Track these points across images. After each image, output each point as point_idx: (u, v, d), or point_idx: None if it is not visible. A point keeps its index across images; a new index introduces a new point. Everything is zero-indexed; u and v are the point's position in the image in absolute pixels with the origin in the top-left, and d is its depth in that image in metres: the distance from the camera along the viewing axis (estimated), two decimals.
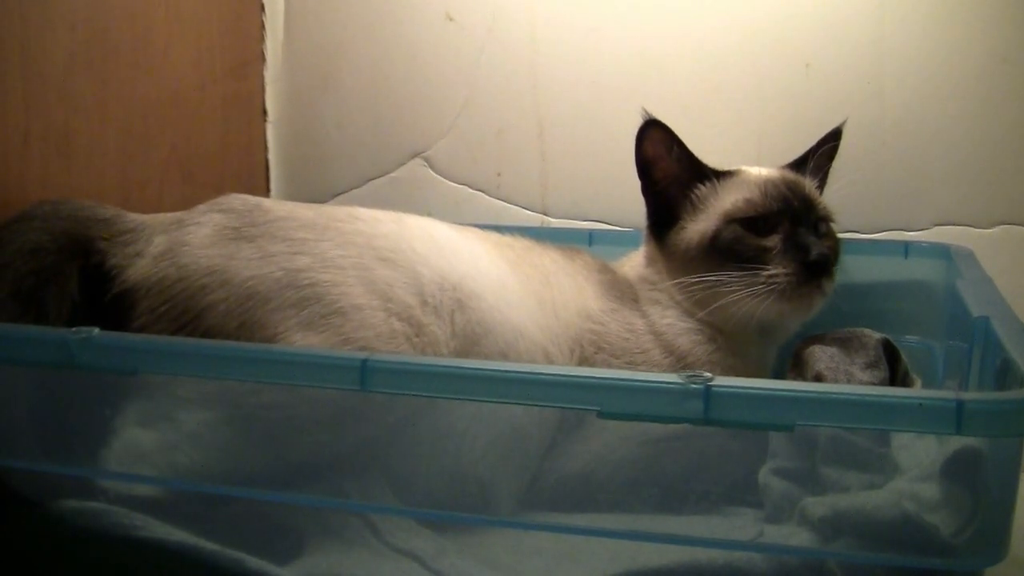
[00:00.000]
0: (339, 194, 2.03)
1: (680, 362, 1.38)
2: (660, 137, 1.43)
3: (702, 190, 1.45)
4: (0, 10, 1.41)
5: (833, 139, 1.54)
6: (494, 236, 1.46)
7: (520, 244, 1.47)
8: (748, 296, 1.34)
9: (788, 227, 1.39)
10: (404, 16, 1.95)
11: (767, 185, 1.43)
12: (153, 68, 1.71)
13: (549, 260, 1.46)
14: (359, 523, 1.13)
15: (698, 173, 1.45)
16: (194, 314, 1.16)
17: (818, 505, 0.99)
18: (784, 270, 1.35)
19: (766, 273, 1.35)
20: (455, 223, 1.44)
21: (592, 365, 1.36)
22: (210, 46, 1.85)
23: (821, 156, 1.52)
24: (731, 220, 1.40)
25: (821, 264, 1.35)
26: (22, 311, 1.17)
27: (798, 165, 1.52)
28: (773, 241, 1.38)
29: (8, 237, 1.21)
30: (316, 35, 2.01)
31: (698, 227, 1.42)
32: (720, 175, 1.46)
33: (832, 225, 1.46)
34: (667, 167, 1.45)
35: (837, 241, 1.45)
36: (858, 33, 1.74)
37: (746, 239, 1.38)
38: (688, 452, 0.99)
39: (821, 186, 1.52)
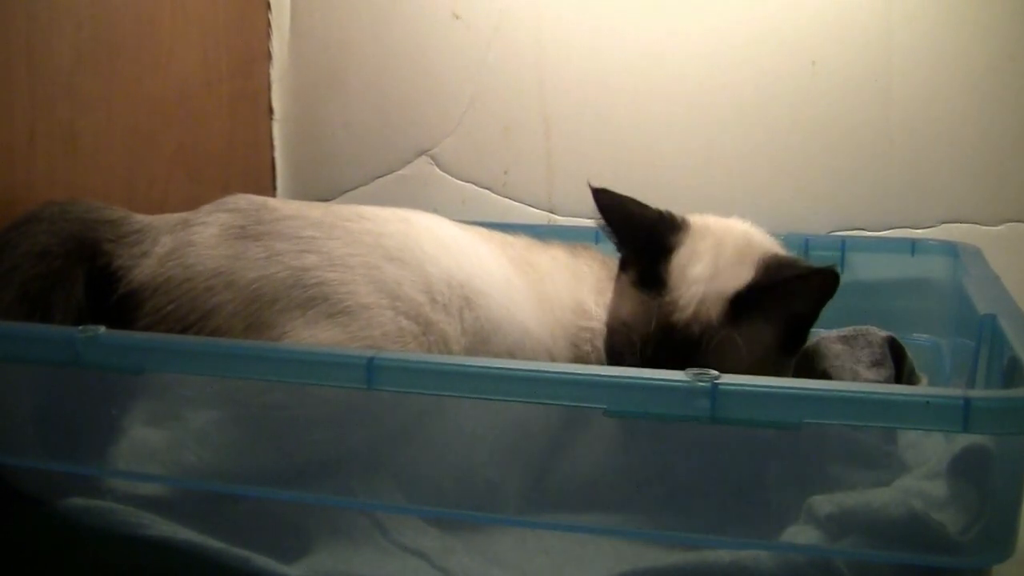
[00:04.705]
0: (345, 192, 2.03)
1: None
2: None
3: None
4: (6, 9, 1.41)
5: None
6: (497, 235, 1.45)
7: (521, 243, 1.47)
8: None
9: None
10: (411, 14, 1.95)
11: None
12: (159, 66, 1.71)
13: (549, 257, 1.46)
14: (366, 521, 1.13)
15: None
16: (200, 315, 1.16)
17: (825, 503, 0.98)
18: None
19: None
20: (461, 221, 1.44)
21: (588, 362, 1.35)
22: (216, 44, 1.85)
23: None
24: None
25: None
26: (28, 314, 1.16)
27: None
28: None
29: (16, 239, 1.21)
30: (322, 33, 2.01)
31: None
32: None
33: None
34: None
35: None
36: (864, 31, 1.74)
37: None
38: (694, 450, 0.99)
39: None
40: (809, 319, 1.23)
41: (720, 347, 1.17)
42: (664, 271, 1.23)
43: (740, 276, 1.20)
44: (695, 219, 1.30)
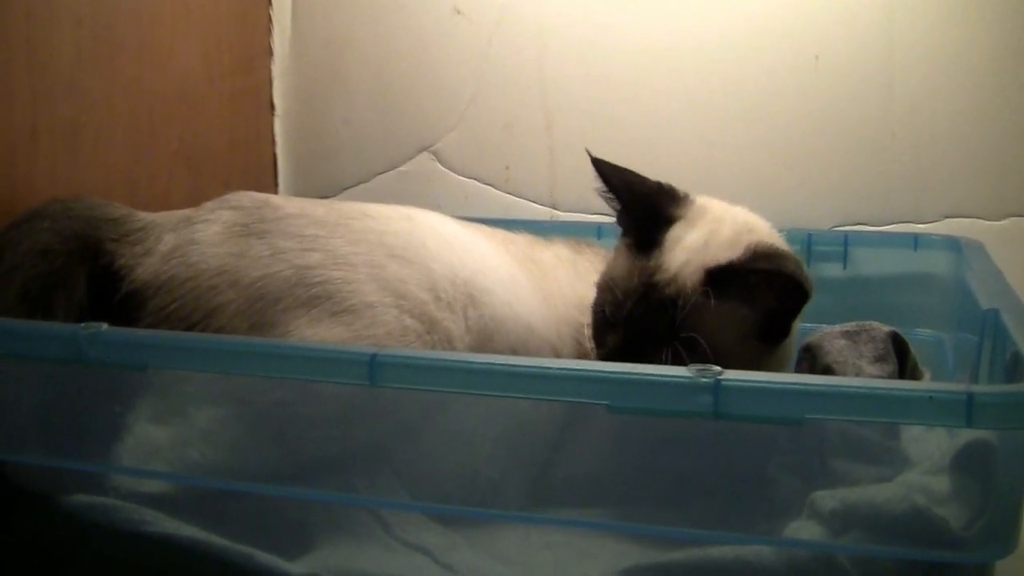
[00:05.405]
0: (347, 188, 2.03)
1: None
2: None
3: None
4: (6, 6, 1.41)
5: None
6: (500, 232, 1.45)
7: (524, 239, 1.47)
8: None
9: None
10: (412, 9, 1.95)
11: None
12: (160, 63, 1.71)
13: (551, 254, 1.46)
14: (369, 518, 1.13)
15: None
16: (203, 314, 1.16)
17: (828, 499, 0.98)
18: None
19: None
20: (463, 217, 1.44)
21: (590, 358, 1.35)
22: (217, 41, 1.85)
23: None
24: None
25: None
26: (29, 314, 1.16)
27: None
28: None
29: (17, 237, 1.20)
30: (323, 29, 2.01)
31: None
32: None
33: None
34: None
35: None
36: (867, 25, 1.74)
37: None
38: (697, 446, 0.99)
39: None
40: (784, 317, 1.24)
41: (693, 313, 1.19)
42: (661, 238, 1.26)
43: (725, 255, 1.22)
44: (701, 199, 1.33)
